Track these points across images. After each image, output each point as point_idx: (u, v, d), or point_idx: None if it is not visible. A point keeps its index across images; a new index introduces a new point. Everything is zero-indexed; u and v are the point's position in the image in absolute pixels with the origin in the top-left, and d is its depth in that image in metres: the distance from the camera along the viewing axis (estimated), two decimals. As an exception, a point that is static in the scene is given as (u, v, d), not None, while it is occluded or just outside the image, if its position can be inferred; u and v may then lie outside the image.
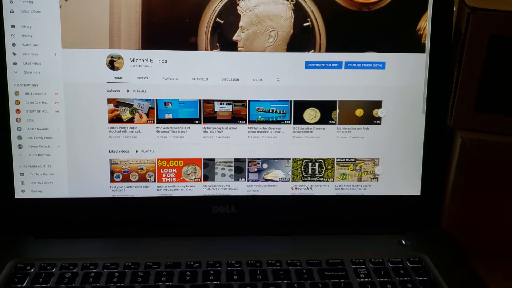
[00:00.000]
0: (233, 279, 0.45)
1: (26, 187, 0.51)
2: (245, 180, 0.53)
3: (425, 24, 0.51)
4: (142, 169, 0.52)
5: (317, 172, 0.54)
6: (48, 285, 0.44)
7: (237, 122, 0.52)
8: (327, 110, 0.52)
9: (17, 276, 0.45)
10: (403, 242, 0.51)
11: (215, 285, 0.44)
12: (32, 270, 0.45)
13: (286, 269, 0.46)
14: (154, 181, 0.53)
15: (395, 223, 0.54)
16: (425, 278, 0.46)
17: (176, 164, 0.52)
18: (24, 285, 0.44)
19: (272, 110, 0.52)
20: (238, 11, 0.50)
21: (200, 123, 0.52)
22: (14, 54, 0.49)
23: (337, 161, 0.53)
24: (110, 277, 0.45)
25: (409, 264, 0.47)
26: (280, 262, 0.47)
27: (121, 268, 0.46)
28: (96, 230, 0.51)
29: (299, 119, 0.52)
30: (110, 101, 0.51)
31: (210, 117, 0.52)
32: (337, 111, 0.52)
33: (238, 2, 0.50)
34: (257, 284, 0.44)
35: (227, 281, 0.44)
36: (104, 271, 0.45)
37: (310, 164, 0.53)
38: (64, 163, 0.51)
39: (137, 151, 0.52)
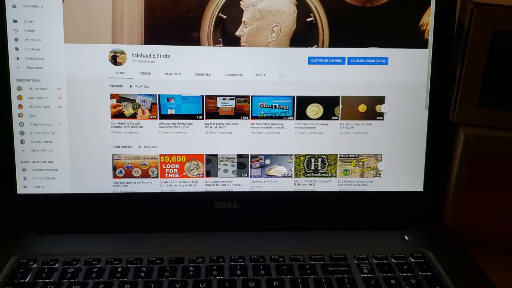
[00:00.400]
0: (236, 274, 0.45)
1: (28, 182, 0.51)
2: (247, 176, 0.53)
3: (428, 20, 0.51)
4: (144, 164, 0.52)
5: (319, 168, 0.53)
6: (51, 280, 0.43)
7: (239, 118, 0.52)
8: (330, 106, 0.52)
9: (20, 271, 0.44)
10: (406, 237, 0.51)
11: (218, 280, 0.44)
12: (34, 266, 0.45)
13: (289, 265, 0.46)
14: (157, 176, 0.52)
15: (398, 218, 0.54)
16: (429, 273, 0.46)
17: (178, 159, 0.52)
18: (27, 280, 0.44)
19: (275, 106, 0.52)
20: (241, 6, 0.50)
21: (202, 118, 0.52)
22: (17, 49, 0.49)
23: (339, 157, 0.53)
24: (113, 272, 0.44)
25: (412, 260, 0.47)
26: (283, 258, 0.47)
27: (124, 264, 0.46)
28: (99, 226, 0.51)
29: (302, 115, 0.52)
30: (112, 96, 0.51)
31: (213, 113, 0.52)
32: (340, 106, 0.52)
33: (241, -3, 0.50)
34: (260, 280, 0.44)
35: (230, 276, 0.44)
36: (107, 266, 0.45)
37: (312, 160, 0.53)
38: (67, 159, 0.51)
39: (139, 147, 0.52)
